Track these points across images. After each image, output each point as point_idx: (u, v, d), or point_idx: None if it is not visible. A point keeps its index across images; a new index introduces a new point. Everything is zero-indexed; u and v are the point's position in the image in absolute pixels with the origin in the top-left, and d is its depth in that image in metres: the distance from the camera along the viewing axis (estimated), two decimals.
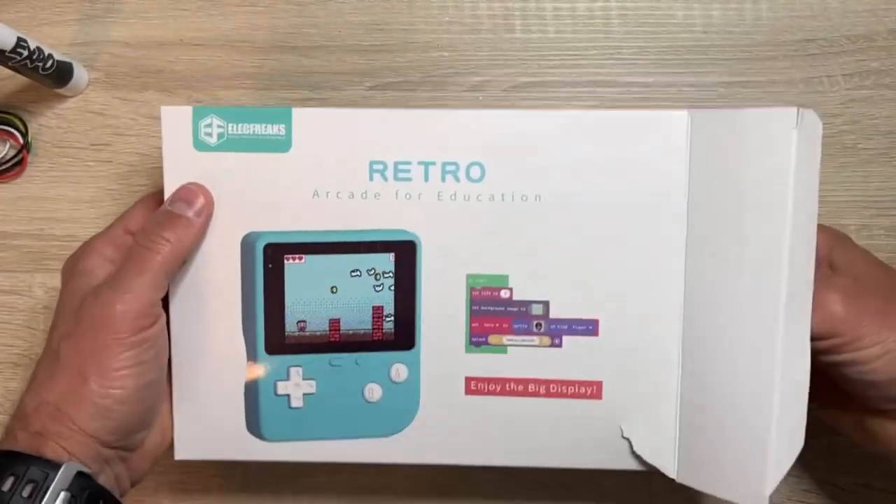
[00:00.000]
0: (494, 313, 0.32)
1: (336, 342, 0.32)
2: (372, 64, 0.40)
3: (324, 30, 0.41)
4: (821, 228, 0.32)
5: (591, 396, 0.32)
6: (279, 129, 0.31)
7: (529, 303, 0.31)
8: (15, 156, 0.40)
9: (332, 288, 0.32)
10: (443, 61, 0.40)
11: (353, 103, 0.40)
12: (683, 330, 0.31)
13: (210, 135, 0.31)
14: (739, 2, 0.40)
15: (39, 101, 0.41)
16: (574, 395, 0.32)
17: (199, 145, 0.31)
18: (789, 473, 0.38)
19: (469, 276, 0.31)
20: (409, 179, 0.31)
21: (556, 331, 0.31)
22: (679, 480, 0.31)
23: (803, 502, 0.38)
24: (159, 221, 0.30)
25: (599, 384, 0.32)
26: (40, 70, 0.37)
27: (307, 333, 0.32)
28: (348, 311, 0.32)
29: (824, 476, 0.38)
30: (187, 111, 0.31)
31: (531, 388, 0.32)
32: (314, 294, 0.32)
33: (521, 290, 0.31)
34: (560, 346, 0.31)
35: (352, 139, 0.31)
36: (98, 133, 0.41)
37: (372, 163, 0.31)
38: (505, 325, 0.32)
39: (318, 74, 0.40)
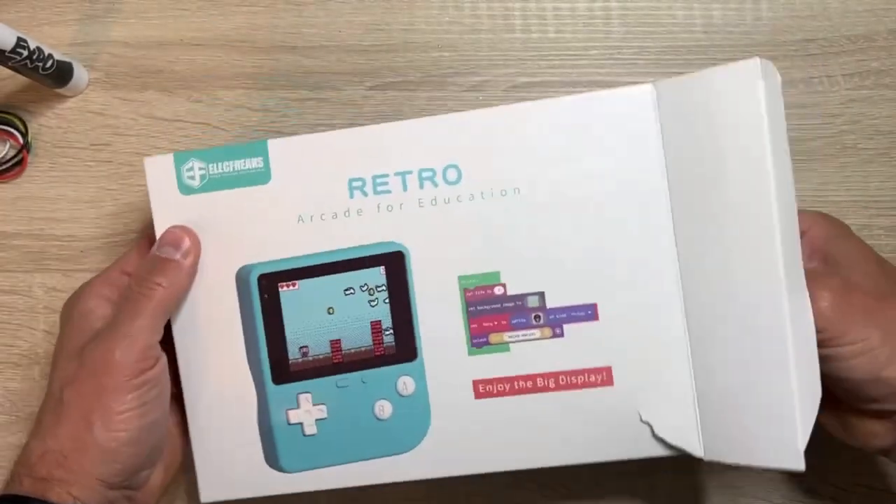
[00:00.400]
0: (491, 311, 0.31)
1: (340, 363, 0.32)
2: (372, 64, 0.40)
3: (324, 30, 0.41)
4: (821, 217, 0.32)
5: (603, 383, 0.31)
6: (257, 163, 0.32)
7: (525, 296, 0.31)
8: (15, 156, 0.40)
9: (328, 309, 0.32)
10: (443, 61, 0.40)
11: (353, 103, 0.40)
12: (684, 300, 0.30)
13: (193, 178, 0.32)
14: (739, 2, 0.40)
15: (39, 101, 0.41)
16: (585, 385, 0.31)
17: (184, 189, 0.32)
18: (790, 473, 0.38)
19: (461, 278, 0.31)
20: (388, 192, 0.31)
21: (556, 320, 0.31)
22: (707, 458, 0.30)
23: (803, 502, 0.38)
24: (150, 267, 0.31)
25: (609, 370, 0.31)
26: (40, 70, 0.37)
27: (311, 358, 0.32)
28: (348, 330, 0.32)
29: (825, 476, 0.38)
30: (168, 159, 0.32)
31: (540, 382, 0.31)
32: (312, 318, 0.32)
33: (515, 284, 0.31)
34: (562, 335, 0.31)
35: (328, 161, 0.32)
36: (98, 133, 0.41)
37: (350, 180, 0.32)
38: (503, 322, 0.31)
39: (318, 74, 0.40)
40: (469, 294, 0.31)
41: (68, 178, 0.41)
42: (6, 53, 0.35)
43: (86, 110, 0.41)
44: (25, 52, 0.36)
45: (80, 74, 0.40)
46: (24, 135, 0.40)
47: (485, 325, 0.31)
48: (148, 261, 0.31)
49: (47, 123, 0.41)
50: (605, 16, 0.40)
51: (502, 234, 0.31)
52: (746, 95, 0.28)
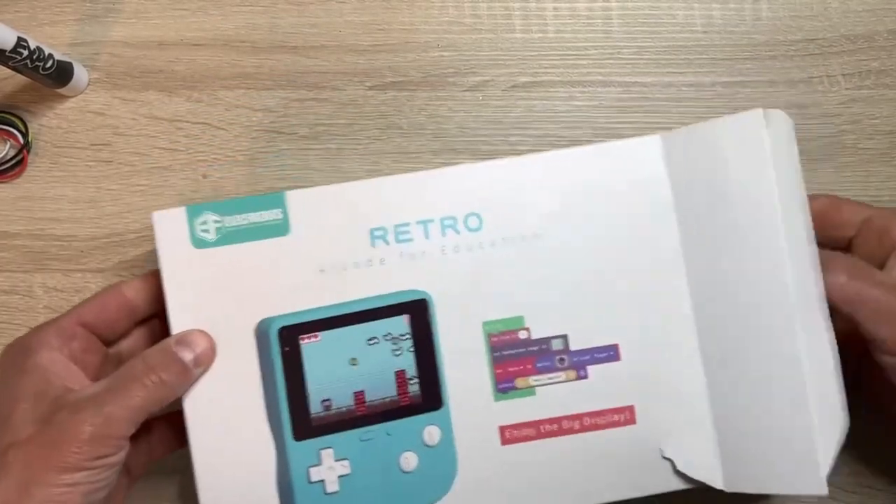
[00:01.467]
0: (516, 356, 0.31)
1: (364, 415, 0.31)
2: (372, 64, 0.40)
3: (324, 30, 0.41)
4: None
5: (626, 423, 0.31)
6: (276, 214, 0.31)
7: (549, 339, 0.31)
8: (15, 156, 0.40)
9: (351, 361, 0.31)
10: (443, 61, 0.40)
11: (353, 103, 0.40)
12: (699, 336, 0.31)
13: (207, 231, 0.31)
14: (739, 2, 0.40)
15: (39, 101, 0.41)
16: (609, 425, 0.31)
17: (199, 243, 0.31)
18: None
19: (485, 324, 0.31)
20: (410, 240, 0.31)
21: (580, 362, 0.31)
22: (729, 490, 0.31)
23: (803, 502, 0.38)
24: (160, 358, 0.30)
25: (632, 408, 0.31)
26: (40, 70, 0.37)
27: (333, 412, 0.31)
28: (371, 380, 0.31)
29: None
30: (181, 213, 0.31)
31: (565, 425, 0.31)
32: (335, 370, 0.31)
33: (538, 327, 0.31)
34: (586, 377, 0.31)
35: (349, 211, 0.31)
36: (98, 133, 0.41)
37: (372, 230, 0.31)
38: (529, 366, 0.31)
39: (318, 74, 0.40)
40: (494, 339, 0.31)
41: (68, 178, 0.41)
42: (6, 53, 0.35)
43: (86, 110, 0.41)
44: (25, 52, 0.36)
45: (81, 74, 0.40)
46: (25, 135, 0.40)
47: (510, 369, 0.31)
48: (160, 350, 0.30)
49: (47, 123, 0.41)
50: (605, 16, 0.40)
51: (524, 278, 0.31)
52: (752, 147, 0.29)
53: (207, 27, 0.41)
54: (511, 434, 0.31)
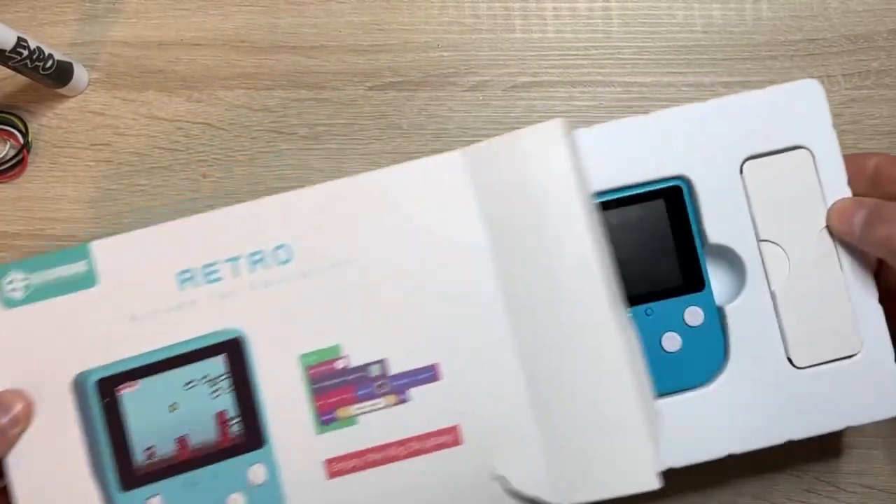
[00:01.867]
0: (336, 386, 0.31)
1: (188, 459, 0.31)
2: (372, 64, 0.40)
3: (324, 30, 0.41)
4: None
5: (452, 444, 0.31)
6: (81, 267, 0.31)
7: (366, 366, 0.31)
8: (15, 156, 0.40)
9: (171, 406, 0.31)
10: (443, 61, 0.40)
11: (353, 103, 0.40)
12: (520, 352, 0.30)
13: (15, 290, 0.31)
14: (739, 2, 0.40)
15: (39, 101, 0.41)
16: (435, 448, 0.31)
17: (8, 302, 0.31)
18: (790, 473, 0.38)
19: (302, 357, 0.31)
20: (219, 280, 0.31)
21: (400, 386, 0.31)
22: (564, 503, 0.30)
23: (803, 502, 0.38)
24: None
25: (456, 428, 0.31)
26: (40, 70, 0.37)
27: (157, 459, 0.31)
28: (193, 424, 0.31)
29: (824, 476, 0.38)
30: None
31: (391, 452, 0.31)
32: (156, 417, 0.31)
33: (357, 355, 0.31)
34: (407, 400, 0.31)
35: (155, 256, 0.31)
36: (98, 133, 0.41)
37: (179, 273, 0.31)
38: (349, 396, 0.31)
39: (318, 74, 0.40)
40: (312, 371, 0.31)
41: (68, 178, 0.41)
42: (6, 53, 0.35)
43: (86, 110, 0.41)
44: (25, 52, 0.36)
45: (81, 74, 0.40)
46: (25, 135, 0.40)
47: (331, 400, 0.31)
48: None
49: (48, 123, 0.41)
50: (605, 16, 0.40)
51: (339, 305, 0.31)
52: (553, 154, 0.30)
53: (207, 27, 0.41)
54: (336, 467, 0.31)
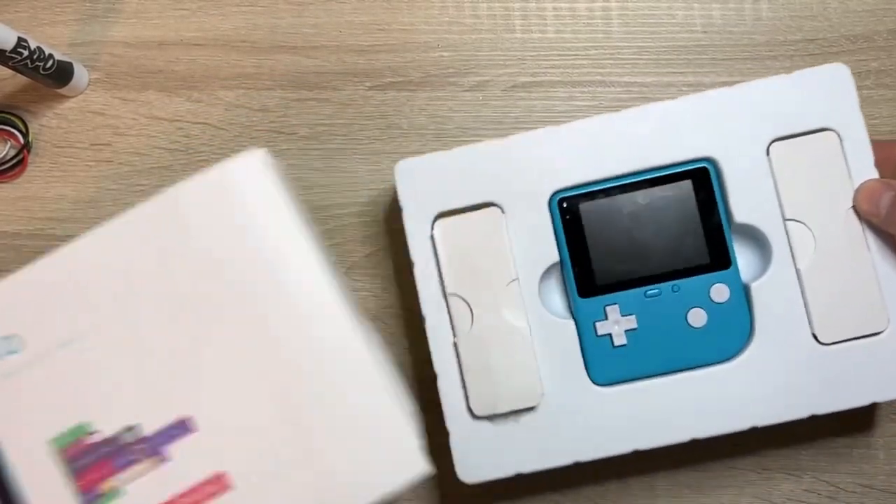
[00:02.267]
0: (93, 462, 0.30)
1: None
2: (372, 64, 0.40)
3: (324, 30, 0.41)
4: None
5: (222, 490, 0.30)
6: None
7: (119, 434, 0.30)
8: (15, 156, 0.40)
9: None
10: (443, 61, 0.40)
11: (353, 103, 0.40)
12: (268, 380, 0.30)
13: None
14: (739, 2, 0.40)
15: (40, 101, 0.41)
16: (207, 498, 0.30)
17: None
18: (789, 473, 0.38)
19: (51, 441, 0.30)
20: None
21: (155, 446, 0.30)
22: None
23: (803, 502, 0.38)
24: None
25: (223, 475, 0.30)
26: (41, 70, 0.37)
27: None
28: None
29: (824, 476, 0.38)
30: None
31: None
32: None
33: (107, 426, 0.30)
34: (168, 459, 0.30)
35: None
36: (98, 133, 0.41)
37: None
38: (109, 468, 0.30)
39: (318, 74, 0.40)
40: (65, 453, 0.30)
41: (69, 178, 0.41)
42: (6, 53, 0.35)
43: (86, 110, 0.41)
44: (26, 52, 0.36)
45: (81, 74, 0.40)
46: (25, 135, 0.40)
47: (92, 477, 0.30)
48: None
49: (48, 123, 0.41)
50: (604, 16, 0.40)
51: (80, 383, 0.30)
52: (264, 185, 0.30)
53: (207, 27, 0.41)
54: None
